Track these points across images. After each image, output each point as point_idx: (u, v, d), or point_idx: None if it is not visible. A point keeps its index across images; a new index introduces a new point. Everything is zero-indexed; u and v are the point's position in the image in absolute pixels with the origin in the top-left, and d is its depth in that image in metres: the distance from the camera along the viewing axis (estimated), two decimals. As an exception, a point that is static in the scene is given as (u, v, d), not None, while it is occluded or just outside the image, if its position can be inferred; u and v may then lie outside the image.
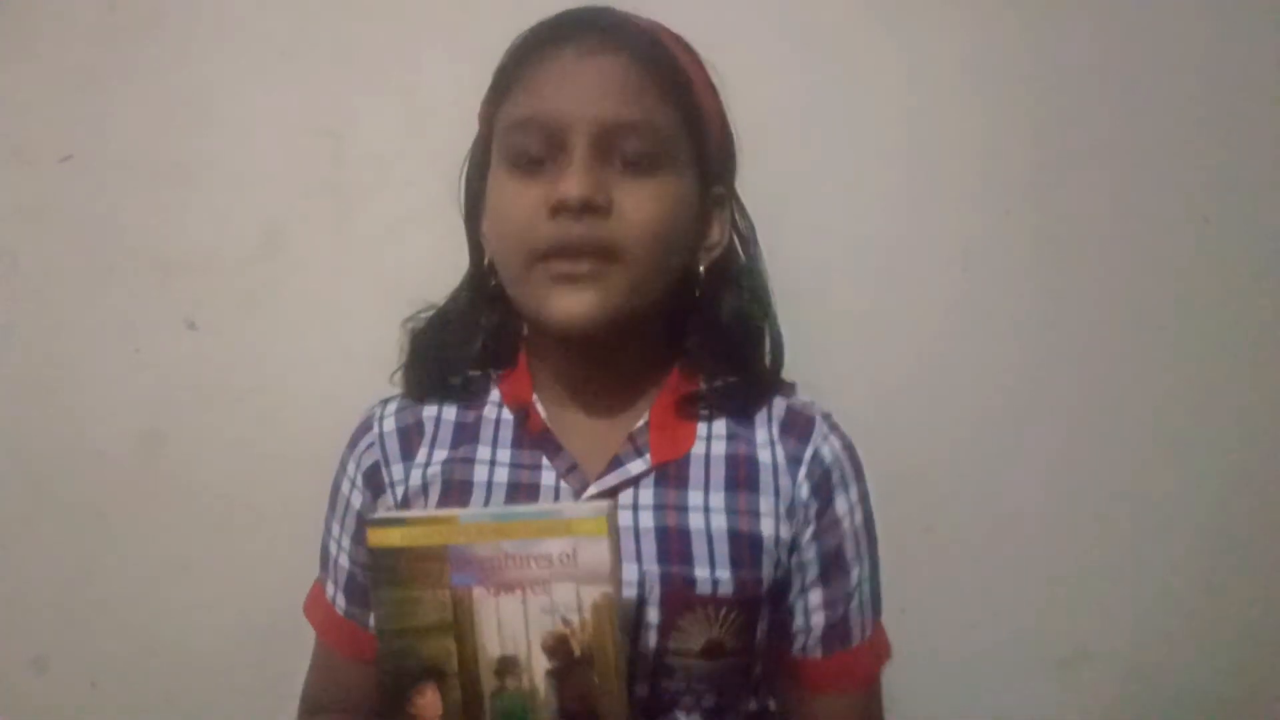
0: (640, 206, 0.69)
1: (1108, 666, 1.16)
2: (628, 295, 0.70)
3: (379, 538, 0.62)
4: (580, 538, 0.61)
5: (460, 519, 0.62)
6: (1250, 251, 1.10)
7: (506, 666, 0.62)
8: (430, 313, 0.82)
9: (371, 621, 0.81)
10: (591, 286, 0.69)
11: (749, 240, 0.81)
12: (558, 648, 0.62)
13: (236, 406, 1.07)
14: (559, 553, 0.61)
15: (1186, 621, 1.15)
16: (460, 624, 0.62)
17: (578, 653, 0.61)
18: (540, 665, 0.62)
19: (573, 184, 0.67)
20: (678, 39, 0.75)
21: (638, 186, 0.69)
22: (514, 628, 0.62)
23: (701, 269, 0.77)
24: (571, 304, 0.69)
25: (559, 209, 0.67)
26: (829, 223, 1.04)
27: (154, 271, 1.05)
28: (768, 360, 0.81)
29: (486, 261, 0.78)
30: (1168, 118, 1.07)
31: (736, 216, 0.81)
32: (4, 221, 1.04)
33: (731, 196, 0.80)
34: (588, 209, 0.67)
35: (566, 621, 0.61)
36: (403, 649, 0.63)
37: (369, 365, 1.04)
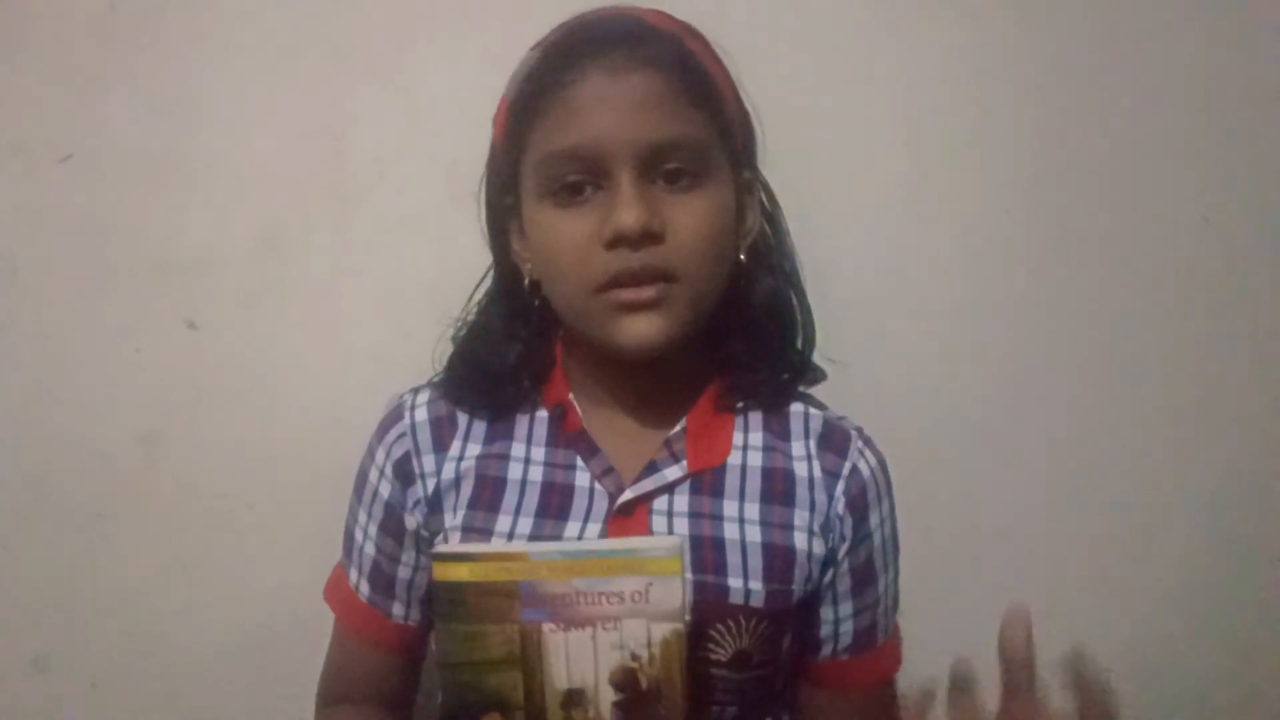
0: (691, 224, 0.69)
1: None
2: (691, 311, 0.70)
3: (445, 572, 0.62)
4: (654, 576, 0.61)
5: (530, 556, 0.62)
6: (1250, 251, 1.10)
7: (573, 699, 0.62)
8: (464, 330, 0.82)
9: (394, 610, 0.81)
10: (657, 310, 0.69)
11: (776, 218, 0.81)
12: (625, 681, 0.62)
13: (236, 406, 1.07)
14: (631, 590, 0.61)
15: (1186, 621, 1.15)
16: (528, 658, 0.62)
17: (645, 686, 0.62)
18: (607, 698, 0.62)
19: (628, 215, 0.66)
20: (688, 30, 0.74)
21: (685, 203, 0.69)
22: (582, 662, 0.62)
23: (742, 257, 0.76)
24: (640, 330, 0.69)
25: (617, 242, 0.67)
26: (828, 223, 1.03)
27: (154, 271, 1.05)
28: (799, 342, 0.81)
29: (528, 282, 0.76)
30: (1168, 118, 1.07)
31: (763, 196, 0.80)
32: (4, 221, 1.04)
33: (757, 178, 0.79)
34: (646, 238, 0.67)
35: (635, 656, 0.62)
36: (467, 682, 0.62)
37: (369, 365, 1.04)
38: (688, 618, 0.70)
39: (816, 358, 0.82)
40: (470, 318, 0.82)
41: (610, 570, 0.61)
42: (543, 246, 0.72)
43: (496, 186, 0.78)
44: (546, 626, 0.61)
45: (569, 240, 0.69)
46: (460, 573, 0.62)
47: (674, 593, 0.61)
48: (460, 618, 0.62)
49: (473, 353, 0.80)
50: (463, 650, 0.62)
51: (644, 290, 0.68)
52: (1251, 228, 1.09)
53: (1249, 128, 1.08)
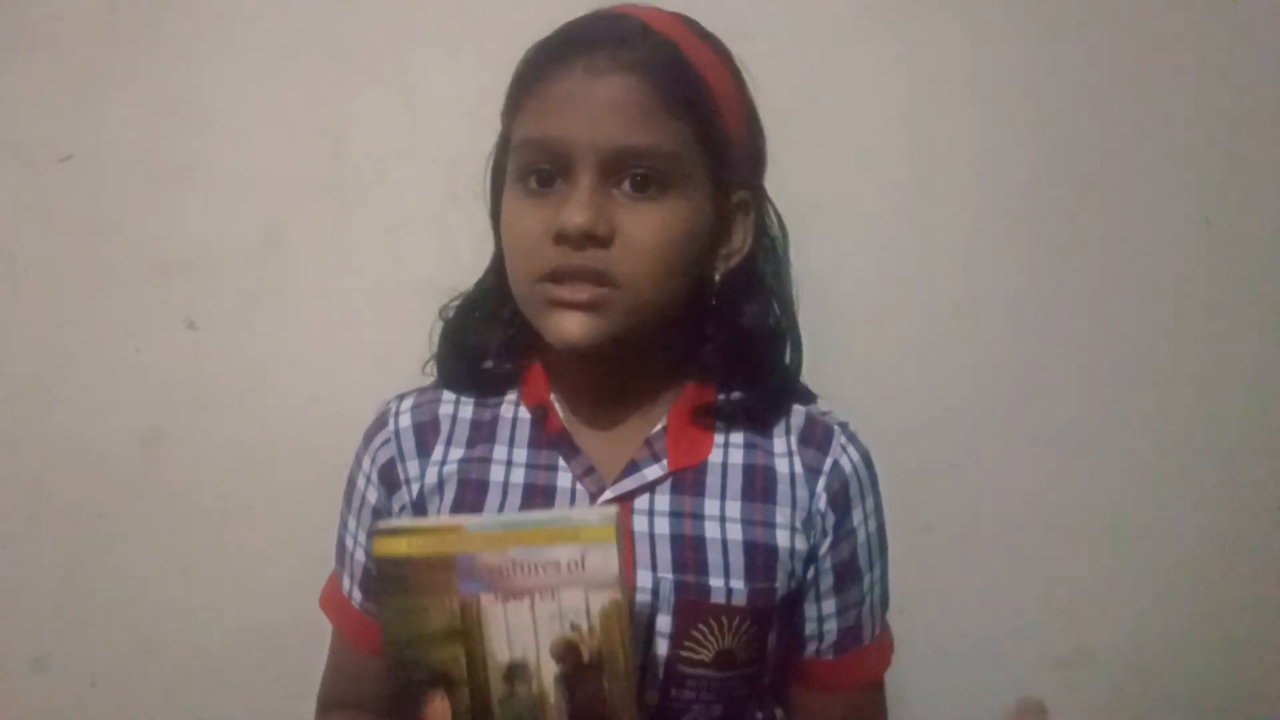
0: (644, 234, 0.68)
1: (1108, 665, 1.16)
2: (626, 318, 0.70)
3: (385, 547, 0.62)
4: (588, 544, 0.60)
5: (466, 528, 0.62)
6: (1250, 251, 1.10)
7: (515, 672, 0.62)
8: (459, 301, 0.82)
9: None
10: (589, 312, 0.69)
11: (779, 242, 0.80)
12: (567, 653, 0.62)
13: (236, 406, 1.07)
14: (567, 559, 0.61)
15: (1186, 621, 1.15)
16: (468, 631, 0.62)
17: (587, 658, 0.61)
18: (550, 671, 0.62)
19: (573, 215, 0.66)
20: (702, 39, 0.73)
21: (644, 211, 0.69)
22: (523, 634, 0.62)
23: (717, 277, 0.76)
24: (568, 328, 0.69)
25: (560, 239, 0.67)
26: (828, 223, 1.04)
27: (154, 271, 1.05)
28: (785, 365, 0.80)
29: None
30: (1168, 118, 1.07)
31: (766, 219, 0.79)
32: (3, 221, 1.04)
33: (758, 199, 0.78)
34: (589, 240, 0.67)
35: (575, 627, 0.61)
36: (411, 658, 0.62)
37: (369, 365, 1.04)
38: (648, 603, 0.70)
39: (810, 375, 0.82)
40: (466, 296, 0.83)
41: (545, 539, 0.61)
42: (505, 228, 0.73)
43: (498, 165, 0.78)
44: (485, 598, 0.61)
45: (524, 228, 0.70)
46: (399, 546, 0.62)
47: (610, 561, 0.60)
48: (401, 591, 0.62)
49: (460, 330, 0.81)
50: (405, 626, 0.62)
51: (578, 291, 0.68)
52: (1251, 228, 1.09)
53: (1249, 128, 1.08)
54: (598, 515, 0.62)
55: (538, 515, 0.68)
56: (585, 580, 0.61)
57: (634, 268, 0.68)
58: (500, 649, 0.62)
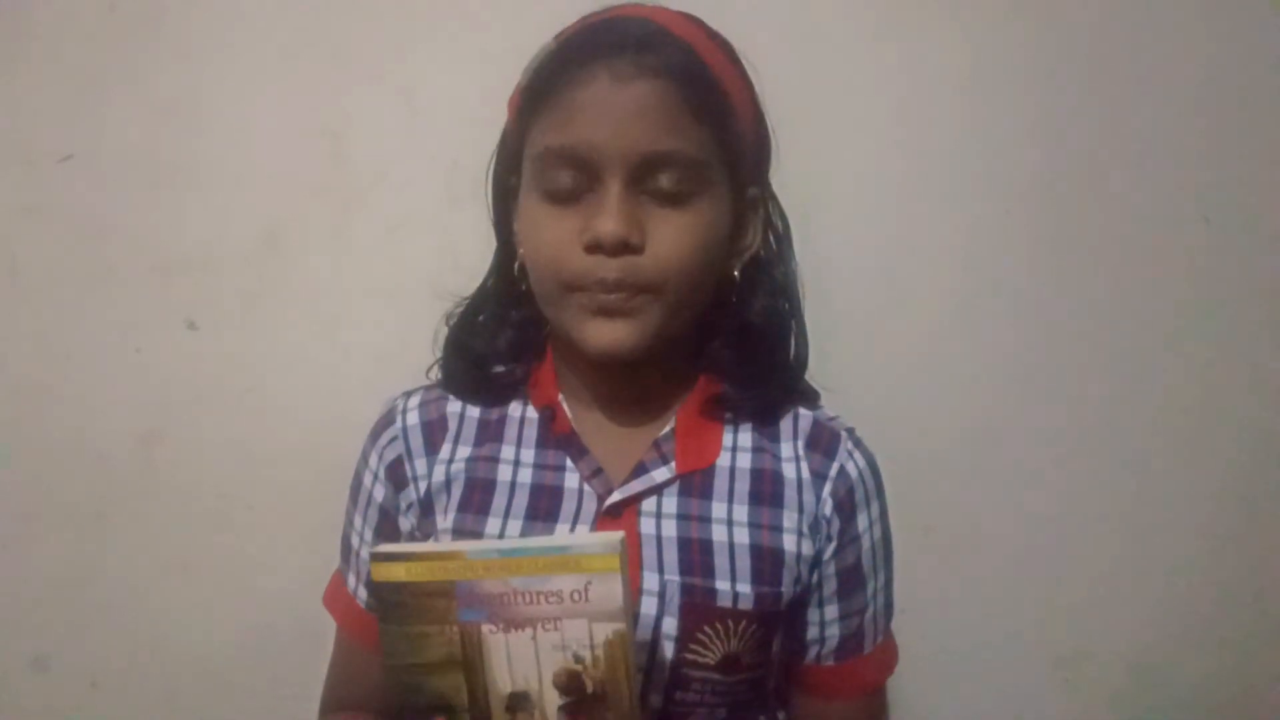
0: (675, 240, 0.68)
1: (1108, 666, 1.16)
2: (664, 323, 0.70)
3: (383, 572, 0.61)
4: (592, 574, 0.59)
5: (467, 554, 0.60)
6: (1250, 251, 1.09)
7: (518, 702, 0.61)
8: (463, 307, 0.82)
9: None
10: (627, 318, 0.69)
11: (783, 236, 0.81)
12: (570, 684, 0.60)
13: (236, 406, 1.07)
14: (570, 590, 0.59)
15: (1186, 621, 1.15)
16: (469, 660, 0.61)
17: (591, 689, 0.60)
18: (553, 701, 0.61)
19: (608, 224, 0.66)
20: (711, 39, 0.73)
21: (672, 218, 0.69)
22: (525, 664, 0.60)
23: (736, 274, 0.76)
24: (607, 335, 0.69)
25: (594, 248, 0.67)
26: (828, 222, 1.04)
27: (154, 271, 1.05)
28: (791, 358, 0.80)
29: (517, 265, 0.77)
30: (1168, 118, 1.07)
31: (771, 213, 0.80)
32: (4, 221, 1.04)
33: (767, 196, 0.79)
34: (623, 249, 0.67)
35: (579, 658, 0.60)
36: (411, 684, 0.61)
37: (369, 365, 1.04)
38: (654, 605, 0.70)
39: (810, 377, 0.82)
40: (469, 301, 0.83)
41: (547, 568, 0.59)
42: (528, 237, 0.73)
43: (503, 165, 0.78)
44: (486, 627, 0.60)
45: (551, 236, 0.69)
46: (397, 573, 0.60)
47: (614, 592, 0.59)
48: (400, 619, 0.61)
49: (465, 336, 0.81)
50: (405, 651, 0.61)
51: (615, 298, 0.68)
52: (1251, 228, 1.09)
53: (1249, 128, 1.08)
54: (602, 544, 0.60)
55: (540, 543, 0.66)
56: (589, 611, 0.59)
57: (666, 275, 0.69)
58: (502, 678, 0.61)
